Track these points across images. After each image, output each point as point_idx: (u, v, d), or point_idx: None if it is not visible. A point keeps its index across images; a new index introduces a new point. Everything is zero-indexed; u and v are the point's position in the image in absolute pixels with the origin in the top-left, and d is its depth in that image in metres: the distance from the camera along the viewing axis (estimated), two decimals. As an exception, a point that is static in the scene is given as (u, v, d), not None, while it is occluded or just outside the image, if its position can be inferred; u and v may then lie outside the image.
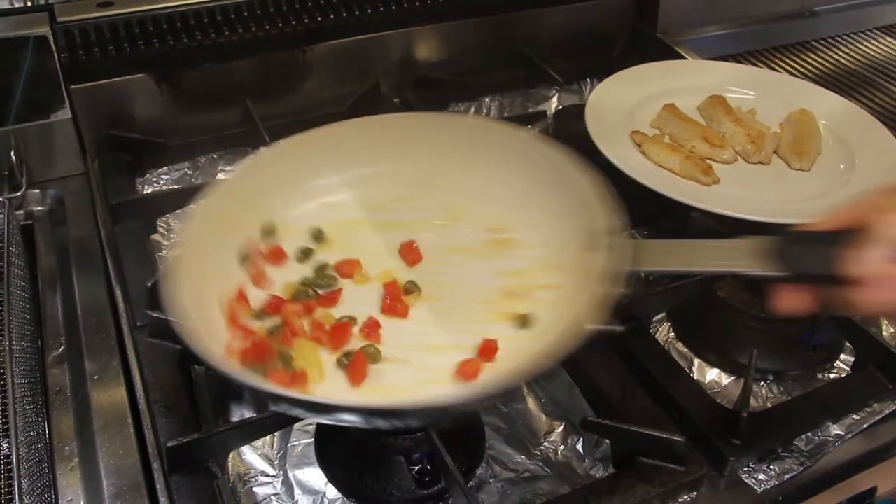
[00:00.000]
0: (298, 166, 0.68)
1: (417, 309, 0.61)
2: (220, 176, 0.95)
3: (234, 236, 0.62)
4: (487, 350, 0.56)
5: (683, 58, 1.13)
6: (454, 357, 0.56)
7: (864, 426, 0.65)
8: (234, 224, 0.63)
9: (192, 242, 0.59)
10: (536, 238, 0.64)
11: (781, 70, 1.24)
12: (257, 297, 0.60)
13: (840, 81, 1.23)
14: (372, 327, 0.59)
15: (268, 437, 0.64)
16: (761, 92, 1.01)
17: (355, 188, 0.70)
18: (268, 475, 0.62)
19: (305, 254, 0.65)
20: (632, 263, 0.53)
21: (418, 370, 0.56)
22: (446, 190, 0.69)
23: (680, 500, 0.59)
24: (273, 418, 0.62)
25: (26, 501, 0.54)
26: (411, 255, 0.65)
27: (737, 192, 0.84)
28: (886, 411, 0.66)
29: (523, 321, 0.58)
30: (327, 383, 0.55)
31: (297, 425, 0.65)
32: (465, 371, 0.55)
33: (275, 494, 0.61)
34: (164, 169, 0.95)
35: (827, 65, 1.28)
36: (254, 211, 0.65)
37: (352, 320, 0.59)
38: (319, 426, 0.65)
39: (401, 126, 0.73)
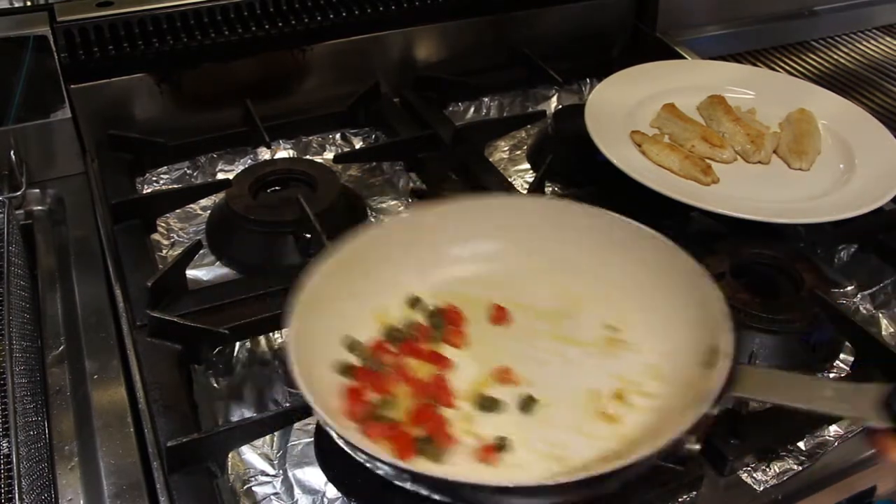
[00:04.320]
0: (422, 238, 0.69)
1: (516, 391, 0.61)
2: (220, 176, 0.95)
3: (342, 311, 0.63)
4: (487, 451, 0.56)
5: (683, 58, 1.13)
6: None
7: (864, 426, 0.65)
8: (344, 297, 0.63)
9: (312, 291, 0.59)
10: (650, 344, 0.63)
11: (781, 70, 1.24)
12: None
13: (840, 81, 1.23)
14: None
15: (267, 437, 0.64)
16: (761, 92, 1.01)
17: (477, 264, 0.70)
18: (267, 474, 0.62)
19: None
20: (738, 389, 0.53)
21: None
22: (568, 278, 0.69)
23: (680, 500, 0.59)
24: (272, 418, 0.62)
25: (26, 501, 0.54)
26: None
27: (736, 191, 0.84)
28: (886, 411, 0.66)
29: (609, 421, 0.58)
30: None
31: (296, 425, 0.65)
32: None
33: (274, 494, 0.61)
34: (164, 169, 0.95)
35: (827, 65, 1.28)
36: (367, 281, 0.65)
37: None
38: (319, 425, 0.65)
39: (530, 208, 0.73)
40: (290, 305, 0.58)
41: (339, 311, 0.62)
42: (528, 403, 0.59)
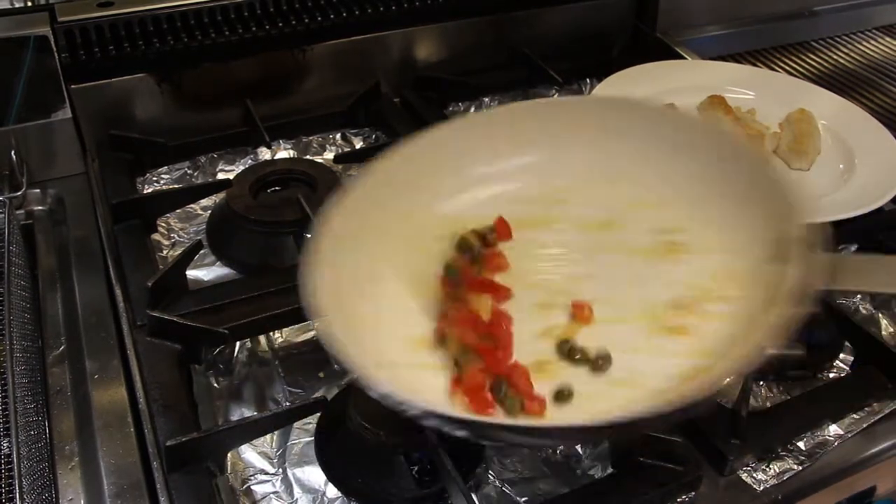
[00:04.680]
0: (451, 154, 0.62)
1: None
2: (220, 176, 0.95)
3: (377, 229, 0.57)
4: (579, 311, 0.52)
5: (683, 58, 1.13)
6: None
7: (864, 426, 0.65)
8: (381, 215, 0.57)
9: (334, 233, 0.54)
10: (712, 243, 0.56)
11: (781, 70, 1.24)
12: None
13: (840, 81, 1.23)
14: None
15: (267, 436, 0.64)
16: (761, 92, 1.01)
17: (511, 180, 0.63)
18: (267, 473, 0.62)
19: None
20: (828, 281, 0.47)
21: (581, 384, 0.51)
22: (613, 182, 0.62)
23: (679, 500, 0.60)
24: (272, 417, 0.62)
25: (27, 500, 0.54)
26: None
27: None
28: (886, 411, 0.66)
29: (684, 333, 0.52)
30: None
31: (296, 424, 0.65)
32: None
33: (274, 493, 0.61)
34: (164, 169, 0.95)
35: (827, 65, 1.28)
36: (403, 199, 0.59)
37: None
38: (319, 424, 0.65)
39: (563, 110, 0.65)
40: (309, 252, 0.52)
41: (366, 250, 0.56)
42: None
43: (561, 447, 0.54)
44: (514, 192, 0.63)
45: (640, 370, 0.50)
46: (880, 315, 0.77)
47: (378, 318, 0.55)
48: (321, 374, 0.71)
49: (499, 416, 0.49)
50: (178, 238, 0.86)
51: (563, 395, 0.51)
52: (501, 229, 0.61)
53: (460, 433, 0.45)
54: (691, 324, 0.52)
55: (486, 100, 1.10)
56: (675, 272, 0.56)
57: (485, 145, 0.63)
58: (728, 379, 0.44)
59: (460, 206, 0.62)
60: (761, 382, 0.70)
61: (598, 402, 0.50)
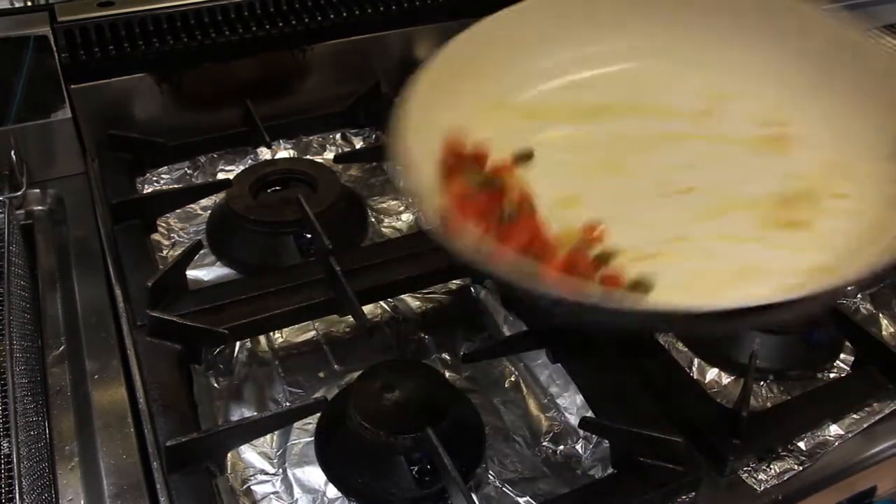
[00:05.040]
0: (523, 41, 0.58)
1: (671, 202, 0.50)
2: (220, 176, 0.95)
3: (454, 108, 0.53)
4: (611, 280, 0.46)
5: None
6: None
7: (864, 426, 0.65)
8: (459, 92, 0.54)
9: (411, 111, 0.50)
10: (823, 137, 0.52)
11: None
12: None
13: (840, 81, 1.23)
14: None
15: (267, 436, 0.64)
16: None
17: (593, 66, 0.58)
18: (267, 473, 0.62)
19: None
20: None
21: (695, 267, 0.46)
22: (709, 69, 0.57)
23: (679, 500, 0.59)
24: (272, 418, 0.62)
25: (27, 501, 0.54)
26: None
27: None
28: (886, 411, 0.66)
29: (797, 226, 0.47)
30: None
31: (296, 424, 0.65)
32: None
33: (274, 493, 0.61)
34: (164, 169, 0.95)
35: (827, 65, 1.28)
36: (484, 81, 0.55)
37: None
38: (320, 424, 0.65)
39: None
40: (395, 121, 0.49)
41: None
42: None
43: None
44: (599, 78, 0.59)
45: (758, 261, 0.46)
46: (880, 315, 0.77)
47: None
48: (321, 374, 0.71)
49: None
50: (178, 238, 0.86)
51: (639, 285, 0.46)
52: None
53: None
54: (805, 218, 0.48)
55: (487, 100, 1.10)
56: (781, 165, 0.52)
57: (563, 28, 0.58)
58: (859, 277, 0.40)
59: (545, 92, 0.58)
60: (761, 382, 0.70)
61: (723, 290, 0.45)
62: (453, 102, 0.53)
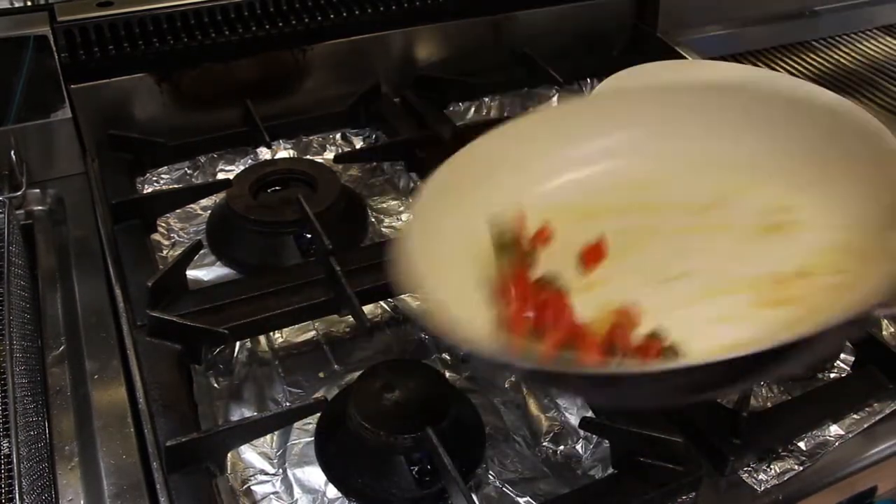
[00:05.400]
0: (541, 141, 0.60)
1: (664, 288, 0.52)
2: (220, 176, 0.95)
3: (461, 212, 0.55)
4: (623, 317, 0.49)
5: (683, 58, 1.13)
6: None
7: (865, 426, 0.65)
8: (464, 199, 0.56)
9: (423, 213, 0.53)
10: (827, 219, 0.53)
11: (782, 70, 1.24)
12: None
13: (840, 81, 1.23)
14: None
15: (267, 436, 0.64)
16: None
17: (602, 164, 0.61)
18: (267, 473, 0.62)
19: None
20: None
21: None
22: (703, 168, 0.59)
23: (679, 500, 0.59)
24: (272, 418, 0.62)
25: (27, 501, 0.54)
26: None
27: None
28: (886, 411, 0.66)
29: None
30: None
31: (296, 424, 0.65)
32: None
33: (274, 493, 0.61)
34: (164, 169, 0.95)
35: (827, 65, 1.28)
36: (486, 188, 0.57)
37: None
38: (320, 424, 0.65)
39: (647, 99, 0.63)
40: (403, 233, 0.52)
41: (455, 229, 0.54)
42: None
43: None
44: (606, 178, 0.61)
45: (742, 338, 0.46)
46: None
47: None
48: (321, 374, 0.71)
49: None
50: (178, 238, 0.86)
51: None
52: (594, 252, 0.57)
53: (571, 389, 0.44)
54: (798, 295, 0.49)
55: (486, 100, 1.10)
56: (781, 248, 0.53)
57: (571, 132, 0.61)
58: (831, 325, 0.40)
59: (548, 191, 0.60)
60: (762, 383, 0.70)
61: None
62: (458, 211, 0.55)
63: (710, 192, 0.58)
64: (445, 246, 0.53)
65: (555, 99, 1.12)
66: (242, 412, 0.68)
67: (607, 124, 0.62)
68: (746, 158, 0.58)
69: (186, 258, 0.76)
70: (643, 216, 0.58)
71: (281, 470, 0.62)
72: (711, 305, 0.51)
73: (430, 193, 0.55)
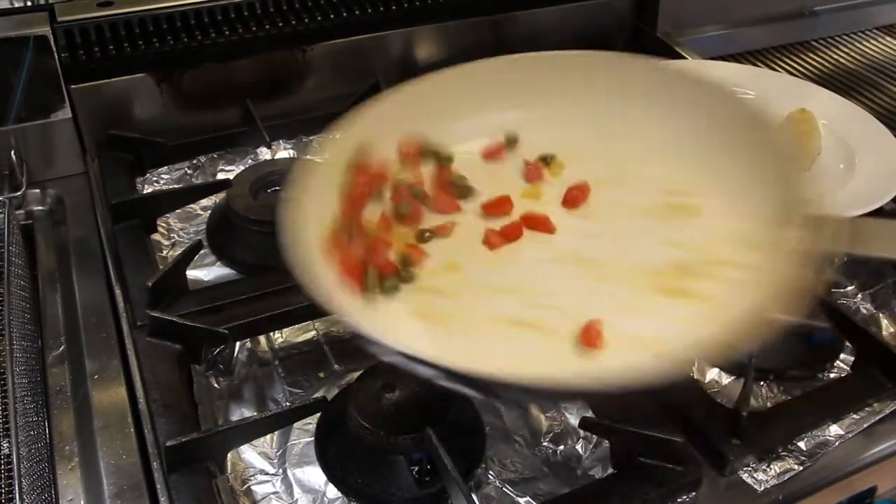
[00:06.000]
0: (443, 105, 0.61)
1: (565, 264, 0.51)
2: (220, 176, 0.95)
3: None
4: (590, 334, 0.47)
5: (683, 58, 1.13)
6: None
7: (864, 426, 0.65)
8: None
9: (314, 172, 0.54)
10: (722, 206, 0.53)
11: (782, 70, 1.24)
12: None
13: (840, 81, 1.23)
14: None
15: (267, 436, 0.64)
16: (761, 92, 1.01)
17: (502, 133, 0.61)
18: (267, 473, 0.62)
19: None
20: (847, 246, 0.45)
21: (542, 330, 0.47)
22: (616, 140, 0.59)
23: (679, 500, 0.59)
24: (272, 418, 0.62)
25: (27, 501, 0.54)
26: (574, 198, 0.56)
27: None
28: (886, 411, 0.66)
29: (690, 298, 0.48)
30: None
31: (296, 424, 0.65)
32: (589, 337, 0.46)
33: (274, 493, 0.61)
34: (164, 169, 0.95)
35: (827, 65, 1.28)
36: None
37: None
38: (320, 424, 0.65)
39: (566, 65, 0.62)
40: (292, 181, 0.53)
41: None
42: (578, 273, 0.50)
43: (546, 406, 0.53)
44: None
45: (644, 334, 0.46)
46: (880, 315, 0.77)
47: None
48: (321, 374, 0.71)
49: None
50: (178, 238, 0.86)
51: None
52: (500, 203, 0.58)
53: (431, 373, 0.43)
54: (700, 288, 0.48)
55: (486, 100, 1.10)
56: (681, 234, 0.52)
57: (476, 97, 0.62)
58: (742, 346, 0.41)
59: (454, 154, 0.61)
60: (761, 382, 0.70)
61: (611, 359, 0.46)
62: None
63: (608, 163, 0.58)
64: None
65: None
66: (242, 412, 0.68)
67: (509, 93, 0.61)
68: (649, 133, 0.57)
69: (186, 258, 0.76)
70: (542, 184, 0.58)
71: (281, 470, 0.62)
72: (611, 292, 0.50)
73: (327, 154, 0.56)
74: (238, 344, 0.73)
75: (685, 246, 0.52)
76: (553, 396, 0.42)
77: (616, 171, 0.58)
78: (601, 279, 0.51)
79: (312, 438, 0.64)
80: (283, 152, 0.99)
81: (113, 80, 0.94)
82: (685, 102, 0.57)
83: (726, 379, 0.71)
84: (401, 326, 0.49)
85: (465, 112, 0.62)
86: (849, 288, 0.80)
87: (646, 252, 0.52)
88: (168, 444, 0.58)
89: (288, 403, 0.68)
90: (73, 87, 0.91)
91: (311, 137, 1.02)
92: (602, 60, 0.63)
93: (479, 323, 0.50)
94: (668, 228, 0.53)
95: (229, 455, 0.62)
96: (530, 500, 0.61)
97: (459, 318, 0.50)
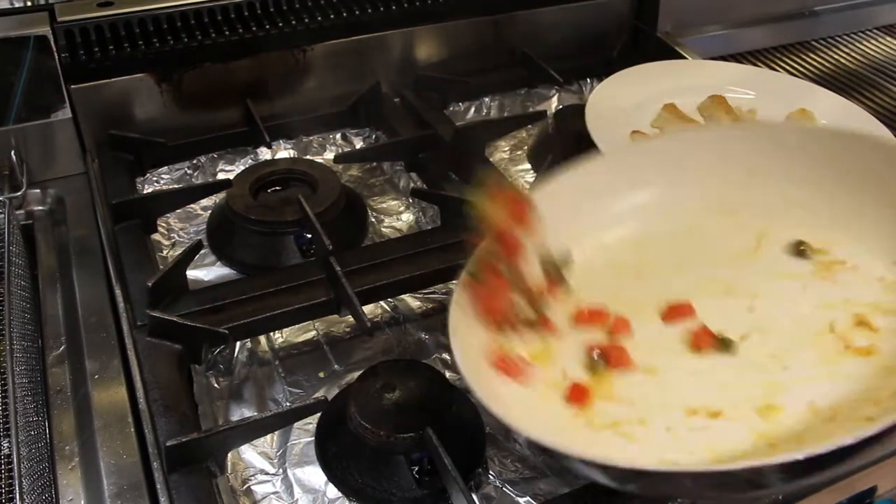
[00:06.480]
0: (573, 200, 0.61)
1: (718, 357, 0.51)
2: (220, 176, 0.95)
3: None
4: (578, 393, 0.50)
5: (683, 58, 1.13)
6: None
7: (864, 426, 0.64)
8: None
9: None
10: (870, 257, 0.53)
11: (782, 70, 1.24)
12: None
13: (840, 81, 1.23)
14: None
15: (267, 436, 0.64)
16: (761, 92, 1.01)
17: (634, 219, 0.62)
18: (267, 473, 0.62)
19: None
20: None
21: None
22: (747, 210, 0.59)
23: (679, 500, 0.59)
24: (272, 418, 0.62)
25: (27, 501, 0.54)
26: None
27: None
28: (886, 411, 0.66)
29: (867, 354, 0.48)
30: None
31: (296, 424, 0.65)
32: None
33: (274, 493, 0.61)
34: (165, 169, 0.95)
35: (827, 65, 1.28)
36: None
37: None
38: (320, 424, 0.65)
39: (680, 143, 0.63)
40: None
41: None
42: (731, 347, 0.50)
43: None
44: (633, 234, 0.62)
45: (829, 396, 0.46)
46: (880, 315, 0.77)
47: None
48: (321, 374, 0.71)
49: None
50: (178, 238, 0.86)
51: None
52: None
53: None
54: (871, 342, 0.48)
55: (486, 100, 1.10)
56: (837, 292, 0.52)
57: (602, 186, 0.62)
58: None
59: (591, 247, 0.61)
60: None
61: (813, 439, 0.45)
62: None
63: (744, 237, 0.57)
64: None
65: (554, 99, 1.12)
66: (242, 412, 0.68)
67: (633, 180, 0.62)
68: (772, 199, 0.58)
69: (186, 258, 0.76)
70: (682, 272, 0.58)
71: (281, 470, 0.62)
72: (784, 367, 0.49)
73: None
74: (238, 344, 0.73)
75: (845, 303, 0.52)
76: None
77: (753, 242, 0.58)
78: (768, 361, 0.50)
79: (312, 438, 0.64)
80: (283, 152, 1.00)
81: (113, 80, 0.94)
82: (800, 158, 0.57)
83: (726, 379, 0.71)
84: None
85: (588, 208, 0.62)
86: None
87: (806, 316, 0.52)
88: (168, 444, 0.58)
89: (288, 403, 0.68)
90: (73, 87, 0.91)
91: (311, 137, 1.02)
92: (710, 133, 0.64)
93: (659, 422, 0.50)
94: (824, 288, 0.53)
95: (229, 455, 0.62)
96: (530, 500, 0.61)
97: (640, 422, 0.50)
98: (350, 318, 0.75)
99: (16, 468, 0.54)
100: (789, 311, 0.53)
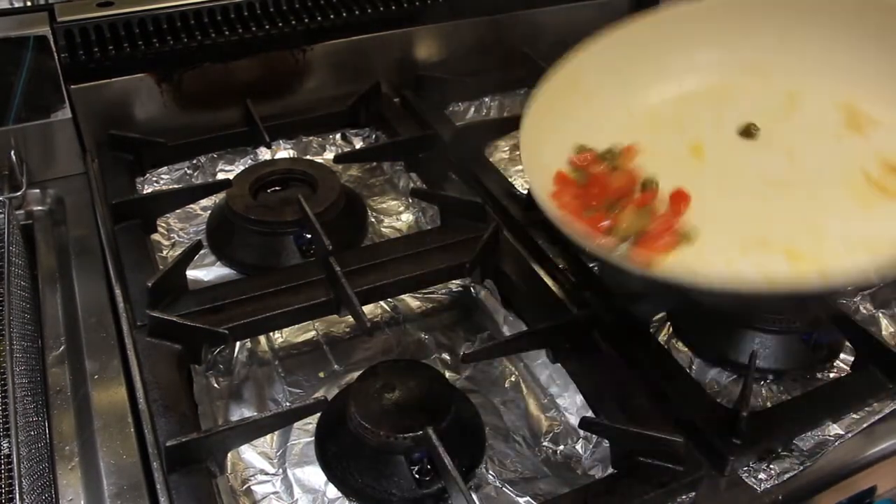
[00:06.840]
0: (646, 49, 0.68)
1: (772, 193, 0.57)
2: (220, 176, 0.95)
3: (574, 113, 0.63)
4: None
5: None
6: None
7: (864, 426, 0.65)
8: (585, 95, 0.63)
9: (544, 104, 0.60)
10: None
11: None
12: None
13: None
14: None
15: (267, 436, 0.64)
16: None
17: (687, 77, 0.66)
18: (267, 473, 0.62)
19: None
20: None
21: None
22: (780, 69, 0.63)
23: (679, 500, 0.59)
24: (272, 418, 0.62)
25: (27, 501, 0.54)
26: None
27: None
28: (886, 411, 0.66)
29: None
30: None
31: (296, 424, 0.65)
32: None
33: (274, 493, 0.61)
34: (164, 169, 0.95)
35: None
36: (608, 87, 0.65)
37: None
38: (320, 424, 0.65)
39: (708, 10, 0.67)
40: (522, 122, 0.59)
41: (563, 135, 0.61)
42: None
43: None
44: (694, 89, 0.66)
45: (869, 231, 0.50)
46: (880, 315, 0.77)
47: None
48: (321, 374, 0.71)
49: None
50: (178, 238, 0.86)
51: None
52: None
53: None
54: None
55: (486, 100, 1.10)
56: (868, 143, 0.56)
57: (675, 42, 0.67)
58: None
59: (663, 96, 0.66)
60: (761, 382, 0.70)
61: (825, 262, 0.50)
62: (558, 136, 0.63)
63: (783, 91, 0.61)
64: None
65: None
66: (242, 412, 0.68)
67: (718, 34, 0.65)
68: (811, 56, 0.61)
69: (186, 258, 0.76)
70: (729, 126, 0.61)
71: (281, 470, 0.62)
72: (820, 208, 0.53)
73: (534, 114, 0.61)
74: (238, 344, 0.73)
75: (877, 153, 0.55)
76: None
77: (788, 98, 0.62)
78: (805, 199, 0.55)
79: (312, 438, 0.64)
80: (283, 152, 1.00)
81: (113, 80, 0.94)
82: (845, 17, 0.60)
83: (726, 379, 0.71)
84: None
85: (674, 53, 0.67)
86: (849, 288, 0.80)
87: (840, 164, 0.56)
88: (168, 444, 0.58)
89: (288, 403, 0.68)
90: (72, 87, 0.91)
91: (311, 137, 1.02)
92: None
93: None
94: (854, 140, 0.57)
95: (229, 455, 0.62)
96: (530, 500, 0.61)
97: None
98: (350, 318, 0.75)
99: (16, 468, 0.54)
100: (825, 160, 0.56)
